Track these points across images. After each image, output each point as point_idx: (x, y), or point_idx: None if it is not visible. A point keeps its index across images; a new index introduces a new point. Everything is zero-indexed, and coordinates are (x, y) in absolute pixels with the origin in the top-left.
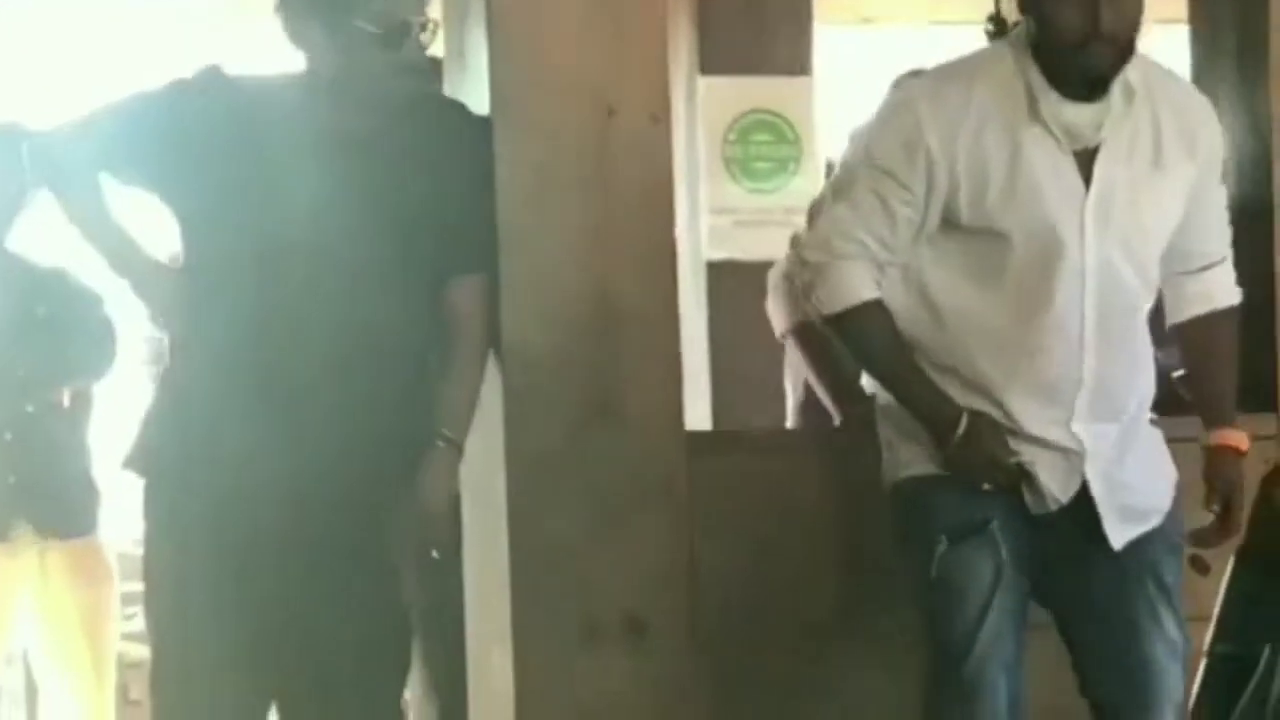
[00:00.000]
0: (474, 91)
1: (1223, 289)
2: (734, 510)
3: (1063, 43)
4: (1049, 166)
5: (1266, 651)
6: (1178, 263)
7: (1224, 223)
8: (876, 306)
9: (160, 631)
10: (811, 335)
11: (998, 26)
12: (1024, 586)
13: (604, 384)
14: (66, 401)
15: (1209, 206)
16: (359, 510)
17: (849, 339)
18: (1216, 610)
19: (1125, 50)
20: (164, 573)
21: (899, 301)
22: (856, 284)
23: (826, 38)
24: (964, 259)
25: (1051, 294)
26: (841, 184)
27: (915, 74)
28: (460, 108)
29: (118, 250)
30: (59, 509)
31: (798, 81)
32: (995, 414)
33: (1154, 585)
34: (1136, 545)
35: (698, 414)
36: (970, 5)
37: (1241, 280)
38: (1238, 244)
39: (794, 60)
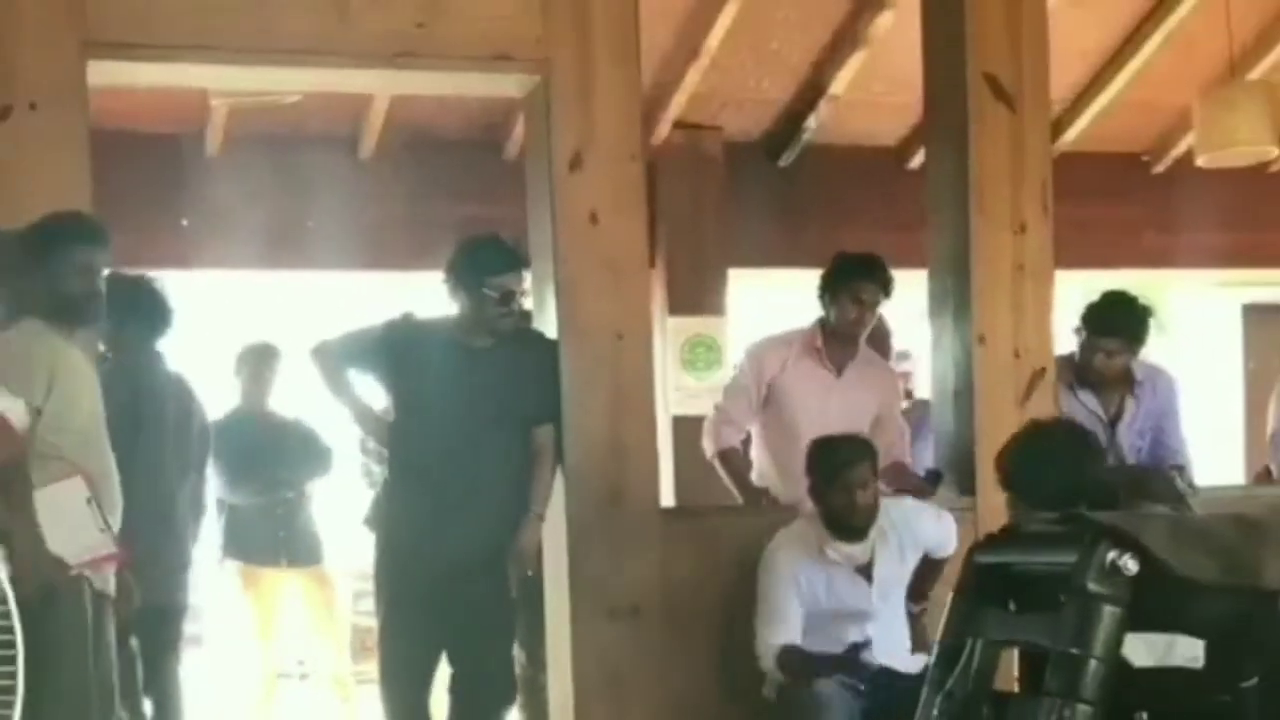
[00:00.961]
0: (549, 326)
1: (949, 551)
2: (690, 550)
3: (834, 512)
4: (846, 581)
5: (970, 642)
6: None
7: (953, 541)
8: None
9: (384, 611)
10: (728, 457)
11: None
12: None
13: (617, 483)
14: (307, 491)
15: (943, 544)
16: (489, 550)
17: None
18: (943, 619)
19: (873, 511)
20: (386, 581)
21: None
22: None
23: (734, 290)
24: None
25: (863, 629)
26: (760, 595)
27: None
28: (542, 336)
29: (359, 410)
30: (305, 549)
31: (719, 319)
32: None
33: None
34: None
35: (666, 497)
36: (821, 251)
37: (953, 444)
38: (952, 421)
39: (717, 306)
